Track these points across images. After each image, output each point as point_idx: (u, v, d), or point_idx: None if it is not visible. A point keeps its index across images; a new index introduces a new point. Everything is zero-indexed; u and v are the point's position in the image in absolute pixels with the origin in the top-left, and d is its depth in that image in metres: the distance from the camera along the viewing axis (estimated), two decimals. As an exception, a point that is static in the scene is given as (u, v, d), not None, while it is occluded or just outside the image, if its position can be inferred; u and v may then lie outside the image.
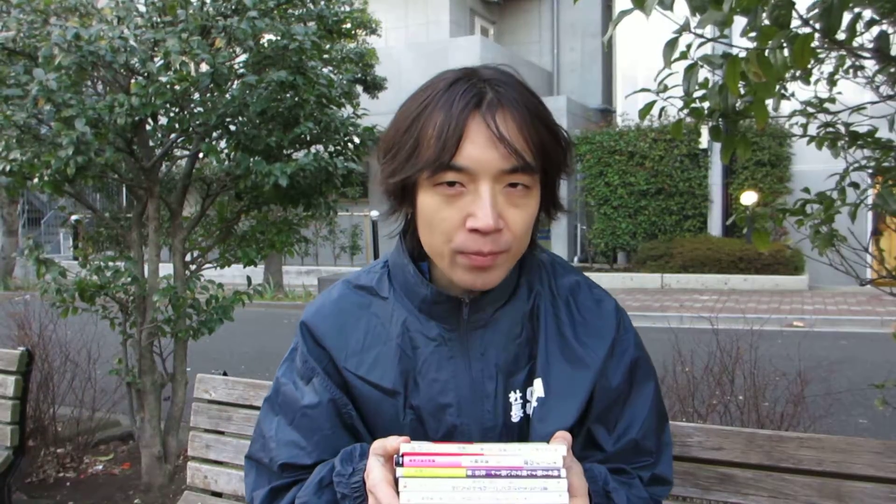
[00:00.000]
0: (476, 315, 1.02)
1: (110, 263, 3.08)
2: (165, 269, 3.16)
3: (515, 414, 1.01)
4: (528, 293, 1.05)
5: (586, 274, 1.14)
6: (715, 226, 12.16)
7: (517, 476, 0.83)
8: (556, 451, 0.85)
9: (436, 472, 0.83)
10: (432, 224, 0.94)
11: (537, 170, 0.93)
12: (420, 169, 0.91)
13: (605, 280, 11.35)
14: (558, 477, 0.84)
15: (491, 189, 0.90)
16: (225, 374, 2.01)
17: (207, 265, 3.36)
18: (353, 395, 1.04)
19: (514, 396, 1.01)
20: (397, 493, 0.83)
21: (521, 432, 1.01)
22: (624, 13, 1.25)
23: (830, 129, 2.02)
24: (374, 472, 0.87)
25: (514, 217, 0.92)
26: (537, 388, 1.00)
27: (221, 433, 1.96)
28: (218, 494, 1.95)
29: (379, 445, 0.89)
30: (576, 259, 13.73)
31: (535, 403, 1.00)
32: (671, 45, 1.32)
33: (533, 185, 0.94)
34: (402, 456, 0.84)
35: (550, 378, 1.00)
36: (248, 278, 3.45)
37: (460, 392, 1.01)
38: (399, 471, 0.84)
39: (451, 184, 0.91)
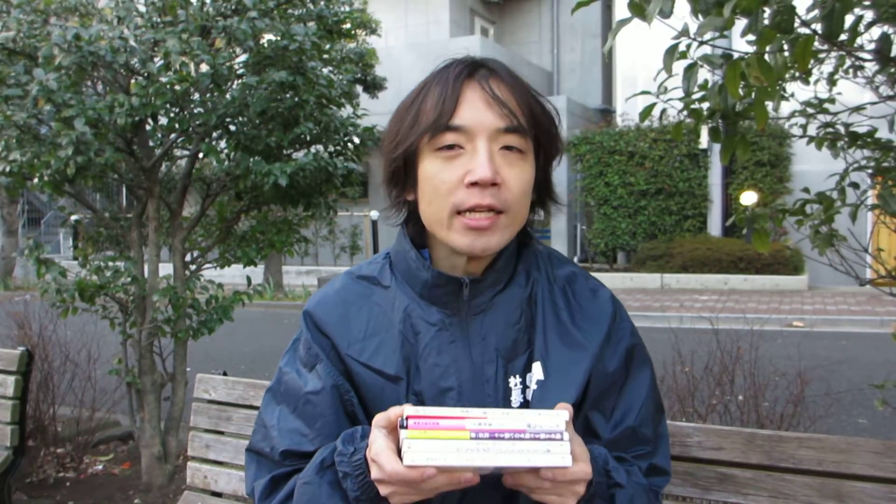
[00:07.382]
0: (476, 300, 1.03)
1: (110, 263, 3.09)
2: (165, 269, 3.17)
3: (515, 399, 1.02)
4: (526, 280, 1.07)
5: None
6: (715, 226, 12.16)
7: (520, 439, 0.84)
8: (558, 415, 0.86)
9: (439, 434, 0.83)
10: (434, 187, 0.98)
11: (530, 134, 0.99)
12: (421, 133, 0.97)
13: (605, 280, 11.27)
14: (561, 440, 0.84)
15: (488, 147, 0.96)
16: (225, 374, 2.01)
17: (207, 265, 3.36)
18: (355, 384, 1.05)
19: (514, 381, 1.03)
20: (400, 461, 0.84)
21: None
22: (622, 22, 1.25)
23: (830, 130, 2.02)
24: (377, 442, 0.87)
25: (511, 176, 0.97)
26: (536, 372, 1.02)
27: (221, 433, 1.96)
28: (218, 494, 1.95)
29: (382, 417, 0.90)
30: (576, 259, 13.73)
31: (534, 387, 1.01)
32: (671, 51, 1.32)
33: (527, 151, 0.99)
34: (407, 419, 0.84)
35: (549, 361, 1.02)
36: (248, 278, 3.45)
37: (461, 376, 1.02)
38: (403, 433, 0.84)
39: (450, 147, 0.96)
